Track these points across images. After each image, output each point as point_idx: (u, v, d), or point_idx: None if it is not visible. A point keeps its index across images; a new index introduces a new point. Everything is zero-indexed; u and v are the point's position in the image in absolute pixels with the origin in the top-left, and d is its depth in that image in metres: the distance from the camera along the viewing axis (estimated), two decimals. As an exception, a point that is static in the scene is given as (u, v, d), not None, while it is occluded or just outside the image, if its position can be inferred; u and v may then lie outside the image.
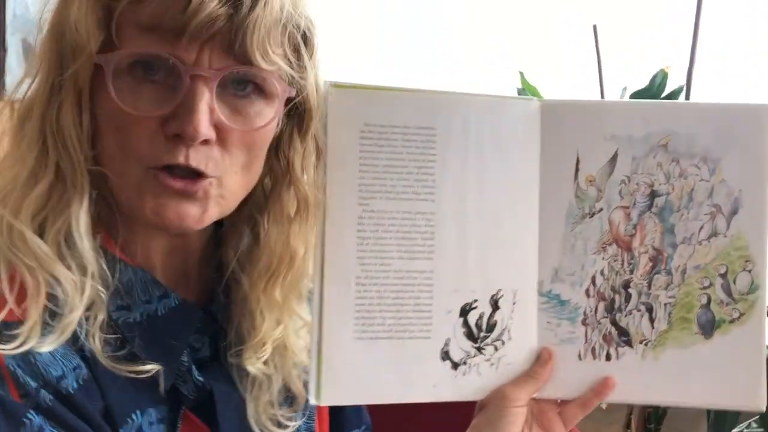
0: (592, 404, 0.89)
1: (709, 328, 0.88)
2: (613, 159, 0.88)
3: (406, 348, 0.85)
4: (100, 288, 0.73)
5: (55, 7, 0.74)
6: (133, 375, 0.73)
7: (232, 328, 0.83)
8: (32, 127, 0.74)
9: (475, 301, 0.87)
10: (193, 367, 0.79)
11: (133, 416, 0.74)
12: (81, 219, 0.73)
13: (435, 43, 1.59)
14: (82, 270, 0.72)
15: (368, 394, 0.85)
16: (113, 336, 0.74)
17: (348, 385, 0.84)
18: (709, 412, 1.22)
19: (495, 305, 0.87)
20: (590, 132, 0.88)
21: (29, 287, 0.70)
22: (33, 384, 0.68)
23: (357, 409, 0.97)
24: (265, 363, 0.84)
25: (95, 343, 0.72)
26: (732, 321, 0.88)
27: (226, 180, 0.75)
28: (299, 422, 0.86)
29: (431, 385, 0.86)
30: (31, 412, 0.67)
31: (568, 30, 1.47)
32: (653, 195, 0.88)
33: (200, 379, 0.79)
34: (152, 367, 0.74)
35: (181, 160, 0.71)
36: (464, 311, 0.87)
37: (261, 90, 0.75)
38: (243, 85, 0.74)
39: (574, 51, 1.27)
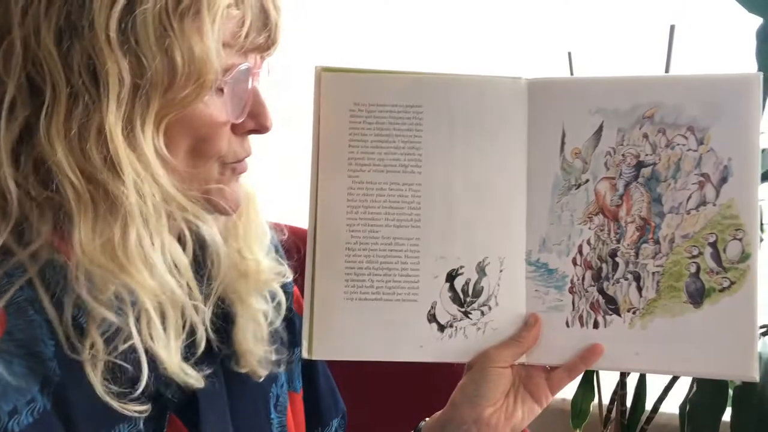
0: (579, 370, 0.90)
1: (698, 296, 0.86)
2: (599, 132, 0.89)
3: (393, 309, 0.89)
4: None
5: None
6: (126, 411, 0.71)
7: (223, 288, 0.83)
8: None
9: (461, 267, 0.90)
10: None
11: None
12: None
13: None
14: None
15: (357, 351, 0.90)
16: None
17: (337, 342, 0.90)
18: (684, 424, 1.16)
19: (481, 272, 0.90)
20: (576, 106, 0.89)
21: None
22: None
23: (334, 397, 1.00)
24: (264, 297, 0.86)
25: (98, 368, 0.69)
26: (722, 290, 0.86)
27: None
28: (281, 356, 0.88)
29: (418, 345, 0.90)
30: None
31: (544, 56, 1.46)
32: (639, 165, 0.88)
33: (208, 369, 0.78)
34: (144, 408, 0.71)
35: (250, 151, 0.78)
36: (450, 276, 0.90)
37: None
38: None
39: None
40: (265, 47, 0.76)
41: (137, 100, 0.66)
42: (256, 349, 0.85)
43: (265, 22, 0.74)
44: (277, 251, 0.91)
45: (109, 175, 0.66)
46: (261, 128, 0.77)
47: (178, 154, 0.72)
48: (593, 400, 1.48)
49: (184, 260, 0.72)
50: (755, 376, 0.85)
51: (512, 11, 1.66)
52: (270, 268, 0.87)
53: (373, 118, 0.90)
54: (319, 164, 0.90)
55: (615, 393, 1.45)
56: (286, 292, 0.92)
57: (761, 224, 1.25)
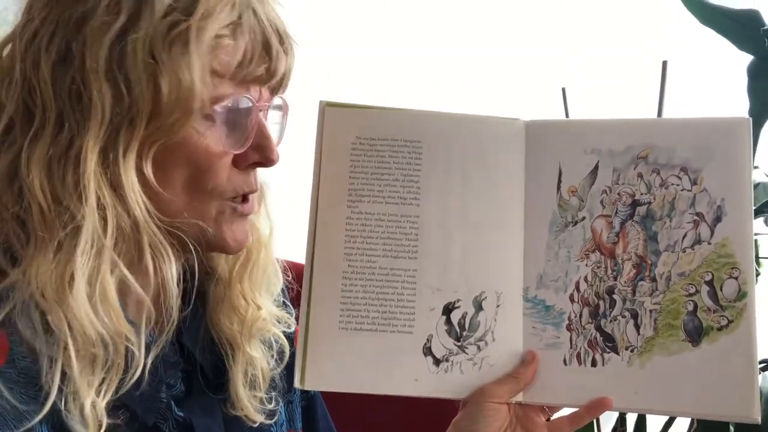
0: (583, 421, 0.86)
1: (696, 335, 0.84)
2: (594, 171, 0.89)
3: (388, 340, 0.86)
4: None
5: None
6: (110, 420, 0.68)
7: (220, 332, 0.82)
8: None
9: (458, 300, 0.87)
10: (172, 402, 0.76)
11: None
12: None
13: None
14: None
15: (350, 382, 0.86)
16: None
17: (331, 373, 0.86)
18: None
19: (478, 306, 0.87)
20: (572, 146, 0.90)
21: None
22: None
23: (328, 428, 0.97)
24: (262, 341, 0.84)
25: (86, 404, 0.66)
26: (720, 328, 0.84)
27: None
28: (278, 405, 0.86)
29: (413, 378, 0.86)
30: None
31: (538, 92, 1.49)
32: (635, 204, 0.88)
33: (180, 414, 0.76)
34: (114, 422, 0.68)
35: (253, 186, 0.76)
36: (447, 309, 0.87)
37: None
38: None
39: (543, 112, 1.30)
40: (266, 79, 0.74)
41: (121, 126, 0.66)
42: (250, 395, 0.82)
43: (266, 54, 0.73)
44: (285, 298, 0.90)
45: (75, 198, 0.66)
46: (265, 161, 0.76)
47: (175, 186, 0.71)
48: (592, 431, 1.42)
49: (115, 300, 0.68)
50: (756, 418, 0.82)
51: (508, 48, 1.69)
52: (271, 315, 0.85)
53: (374, 152, 0.89)
54: (319, 194, 0.88)
55: (615, 429, 1.39)
56: (288, 338, 0.90)
57: (758, 258, 1.25)
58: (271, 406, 0.85)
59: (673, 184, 0.87)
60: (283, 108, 0.80)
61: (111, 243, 0.67)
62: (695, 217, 0.86)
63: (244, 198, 0.76)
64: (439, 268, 0.88)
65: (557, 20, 1.70)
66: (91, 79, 0.66)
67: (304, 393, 0.94)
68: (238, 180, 0.75)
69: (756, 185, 1.17)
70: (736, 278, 0.84)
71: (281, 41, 0.75)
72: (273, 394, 0.85)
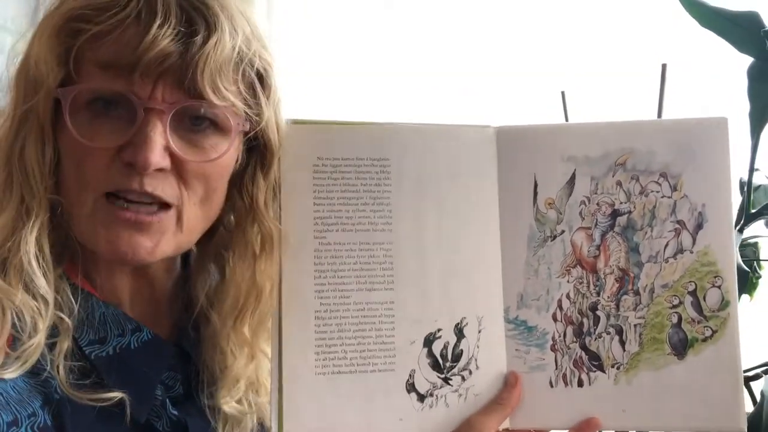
0: None
1: (681, 348, 0.81)
2: (571, 180, 0.83)
3: (369, 382, 0.79)
4: (62, 315, 0.70)
5: (26, 44, 0.74)
6: (95, 403, 0.69)
7: (204, 366, 0.79)
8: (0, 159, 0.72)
9: (439, 330, 0.81)
10: (167, 401, 0.75)
11: None
12: (42, 248, 0.70)
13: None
14: (44, 298, 0.69)
15: (331, 430, 0.79)
16: (78, 364, 0.70)
17: (310, 422, 0.79)
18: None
19: (460, 334, 0.82)
20: (547, 154, 0.83)
21: None
22: None
23: None
24: (239, 401, 0.80)
25: (60, 373, 0.68)
26: (705, 339, 0.81)
27: (185, 212, 0.73)
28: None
29: (397, 418, 0.80)
30: None
31: (538, 95, 1.45)
32: (615, 214, 0.83)
33: (174, 413, 0.75)
34: (116, 395, 0.70)
35: (135, 185, 0.69)
36: (428, 341, 0.81)
37: (215, 124, 0.73)
38: (199, 120, 0.72)
39: (542, 115, 1.25)
40: (127, 67, 0.68)
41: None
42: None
43: (132, 38, 0.68)
44: None
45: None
46: (133, 162, 0.69)
47: (66, 173, 0.72)
48: None
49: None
50: (743, 428, 0.81)
51: (506, 51, 1.62)
52: (254, 376, 0.81)
53: (338, 173, 0.80)
54: (282, 225, 0.79)
55: None
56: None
57: (759, 260, 1.26)
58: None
59: (653, 191, 0.83)
60: (214, 119, 0.73)
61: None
62: (676, 225, 0.82)
63: (129, 205, 0.71)
64: (418, 297, 0.81)
65: (556, 24, 1.63)
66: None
67: None
68: (116, 174, 0.70)
69: (756, 188, 1.14)
70: (719, 287, 0.82)
71: (162, 28, 0.68)
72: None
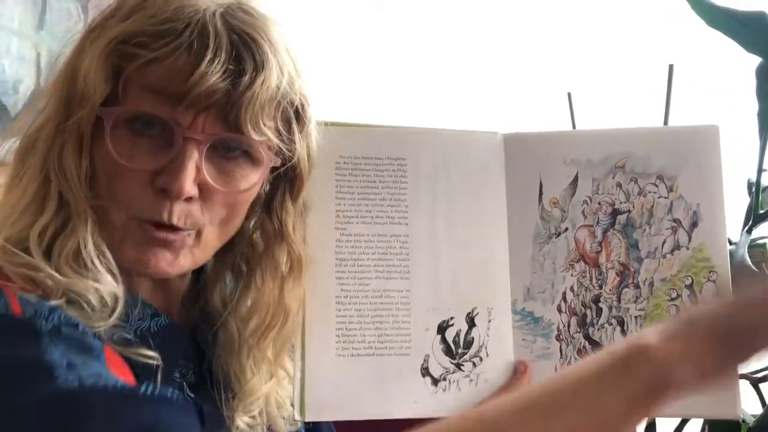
0: None
1: (680, 337, 0.84)
2: (574, 181, 0.88)
3: (386, 364, 0.83)
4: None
5: (70, 53, 0.73)
6: (140, 357, 0.69)
7: (219, 369, 0.78)
8: (35, 162, 0.72)
9: (452, 318, 0.85)
10: (185, 384, 0.75)
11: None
12: (89, 242, 0.70)
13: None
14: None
15: (350, 409, 0.82)
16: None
17: (330, 401, 0.82)
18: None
19: (471, 322, 0.85)
20: (551, 158, 0.88)
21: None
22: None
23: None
24: (253, 417, 0.79)
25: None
26: (702, 330, 0.84)
27: (204, 232, 0.73)
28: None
29: (412, 400, 0.83)
30: (42, 322, 0.62)
31: (544, 96, 1.48)
32: (615, 213, 0.87)
33: (191, 395, 0.74)
34: (152, 353, 0.69)
35: (165, 217, 0.69)
36: (441, 328, 0.84)
37: (248, 155, 0.73)
38: (232, 149, 0.72)
39: (549, 117, 1.28)
40: (178, 98, 0.68)
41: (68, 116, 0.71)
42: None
43: (187, 72, 0.67)
44: None
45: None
46: (167, 189, 0.69)
47: (100, 187, 0.71)
48: None
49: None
50: (738, 414, 0.84)
51: (513, 53, 1.65)
52: (273, 395, 0.81)
53: (359, 171, 0.85)
54: (306, 218, 0.83)
55: None
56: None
57: (767, 263, 1.26)
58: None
59: (650, 192, 0.88)
60: (249, 149, 0.72)
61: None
62: (673, 224, 0.87)
63: (169, 228, 0.71)
64: (432, 287, 0.85)
65: (563, 25, 1.65)
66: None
67: None
68: (148, 201, 0.70)
69: (764, 189, 1.14)
70: (714, 281, 0.85)
71: (214, 62, 0.67)
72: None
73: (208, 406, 0.76)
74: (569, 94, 1.28)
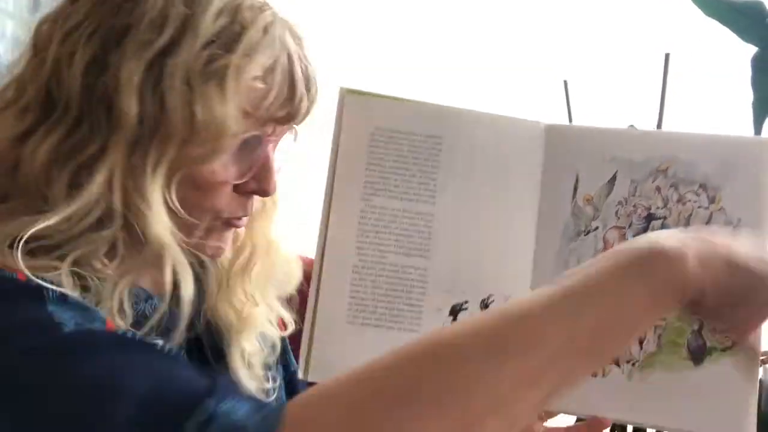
0: None
1: (699, 354, 0.81)
2: (612, 180, 0.85)
3: (393, 338, 0.83)
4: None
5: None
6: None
7: (212, 312, 0.81)
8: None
9: (466, 302, 0.84)
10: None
11: None
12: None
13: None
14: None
15: None
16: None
17: (334, 365, 0.83)
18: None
19: (485, 308, 0.85)
20: (591, 154, 0.85)
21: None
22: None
23: None
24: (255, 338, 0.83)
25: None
26: (724, 350, 0.81)
27: None
28: (276, 383, 0.85)
29: (415, 377, 0.83)
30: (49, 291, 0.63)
31: (541, 84, 1.44)
32: (650, 218, 0.84)
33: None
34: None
35: (248, 211, 0.76)
36: (454, 311, 0.84)
37: None
38: None
39: (545, 104, 1.25)
40: (284, 120, 0.74)
41: (150, 145, 0.66)
42: (248, 374, 0.82)
43: (290, 98, 0.72)
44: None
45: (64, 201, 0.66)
46: (261, 192, 0.75)
47: (181, 198, 0.70)
48: None
49: None
50: (751, 439, 0.80)
51: (510, 40, 1.64)
52: (269, 315, 0.83)
53: (393, 144, 0.85)
54: (334, 184, 0.85)
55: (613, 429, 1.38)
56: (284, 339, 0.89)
57: None
58: (269, 385, 0.84)
59: (690, 201, 0.84)
60: (293, 135, 0.79)
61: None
62: (709, 236, 0.82)
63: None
64: (450, 269, 0.85)
65: (559, 13, 1.64)
66: (124, 92, 0.65)
67: (285, 372, 0.92)
68: (235, 205, 0.74)
69: None
70: (744, 301, 0.81)
71: (308, 87, 0.73)
72: (270, 373, 0.84)
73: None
74: (565, 82, 1.25)
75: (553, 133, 0.87)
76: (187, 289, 0.69)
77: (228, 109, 0.66)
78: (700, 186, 0.84)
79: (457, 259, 0.85)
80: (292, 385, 0.92)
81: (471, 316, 0.84)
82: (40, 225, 0.64)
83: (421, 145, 0.86)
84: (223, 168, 0.71)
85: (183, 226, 0.70)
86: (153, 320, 0.69)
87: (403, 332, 0.84)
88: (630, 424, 0.85)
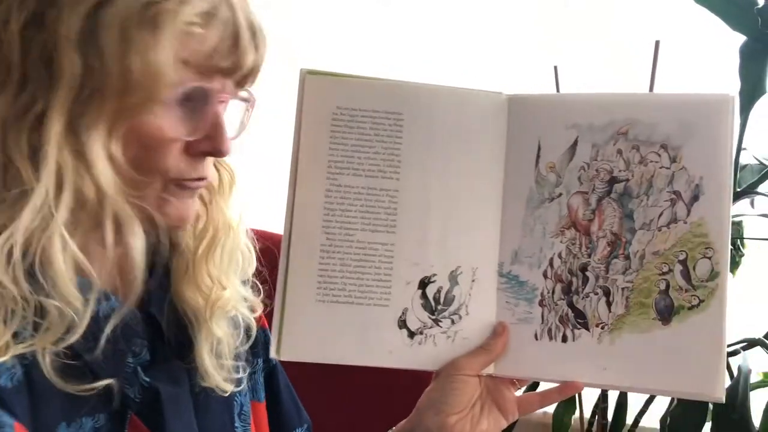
0: (553, 400, 0.86)
1: (667, 314, 0.81)
2: (573, 146, 0.85)
3: (364, 313, 0.84)
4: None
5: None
6: (83, 393, 0.67)
7: (183, 305, 0.79)
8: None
9: (434, 275, 0.85)
10: (139, 368, 0.73)
11: (59, 428, 0.67)
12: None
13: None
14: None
15: (325, 353, 0.85)
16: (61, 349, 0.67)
17: (306, 343, 0.84)
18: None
19: (454, 281, 0.85)
20: (552, 121, 0.86)
21: None
22: None
23: (296, 408, 0.94)
24: (227, 321, 0.81)
25: (45, 359, 0.66)
26: (691, 308, 0.81)
27: None
28: (245, 373, 0.84)
29: (387, 351, 0.85)
30: None
31: (530, 71, 1.44)
32: (612, 181, 0.84)
33: (147, 380, 0.73)
34: (104, 383, 0.68)
35: (201, 173, 0.73)
36: (423, 284, 0.85)
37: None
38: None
39: (535, 87, 1.25)
40: (231, 72, 0.71)
41: (91, 99, 0.65)
42: (216, 364, 0.80)
43: (235, 48, 0.70)
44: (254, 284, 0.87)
45: (27, 161, 0.64)
46: (215, 152, 0.72)
47: (124, 160, 0.69)
48: (575, 413, 1.43)
49: (57, 265, 0.66)
50: (721, 397, 0.80)
51: (499, 26, 1.63)
52: (238, 296, 0.82)
53: (355, 123, 0.86)
54: (298, 166, 0.85)
55: (596, 406, 1.40)
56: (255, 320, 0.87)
57: (742, 239, 1.23)
58: (237, 375, 0.82)
59: (652, 161, 0.84)
60: (249, 101, 0.77)
61: (64, 211, 0.65)
62: (672, 196, 0.83)
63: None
64: (417, 243, 0.85)
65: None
66: (63, 47, 0.64)
67: (266, 364, 0.91)
68: (187, 166, 0.71)
69: (743, 167, 1.12)
70: (709, 258, 0.81)
71: (252, 36, 0.71)
72: (239, 363, 0.83)
73: (165, 385, 0.75)
74: (555, 68, 1.25)
75: (515, 104, 0.87)
76: (136, 240, 0.69)
77: (162, 56, 0.65)
78: (662, 146, 0.83)
79: (424, 233, 0.86)
80: (272, 379, 0.92)
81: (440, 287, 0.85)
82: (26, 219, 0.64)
83: (383, 122, 0.86)
84: (170, 124, 0.68)
85: (133, 186, 0.69)
86: (112, 323, 0.69)
87: (373, 307, 0.85)
88: (601, 387, 0.85)
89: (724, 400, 0.80)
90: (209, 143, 0.71)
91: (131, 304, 0.72)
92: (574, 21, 1.57)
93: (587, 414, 1.42)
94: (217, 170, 0.79)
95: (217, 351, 0.80)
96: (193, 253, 0.79)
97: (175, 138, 0.70)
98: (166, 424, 0.73)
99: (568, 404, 1.40)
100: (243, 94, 0.75)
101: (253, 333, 0.85)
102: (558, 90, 1.21)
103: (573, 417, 1.44)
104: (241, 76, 0.72)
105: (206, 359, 0.78)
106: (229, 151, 0.72)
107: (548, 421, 1.45)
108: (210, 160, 0.74)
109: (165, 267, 0.78)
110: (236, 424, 0.84)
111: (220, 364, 0.80)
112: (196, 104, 0.70)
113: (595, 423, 1.39)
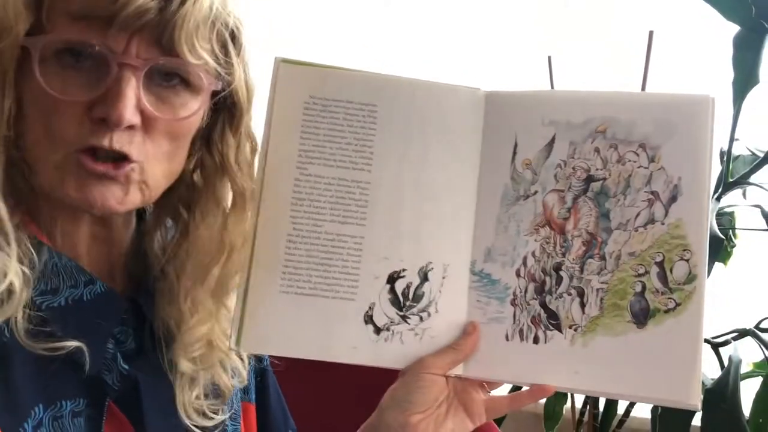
0: (522, 403, 0.82)
1: (642, 317, 0.78)
2: (550, 143, 0.83)
3: (329, 307, 0.81)
4: (22, 267, 0.67)
5: None
6: (48, 353, 0.67)
7: (159, 321, 0.77)
8: None
9: (404, 270, 0.82)
10: (119, 355, 0.73)
11: (36, 409, 0.67)
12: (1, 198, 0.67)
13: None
14: (3, 248, 0.67)
15: (287, 346, 0.81)
16: (34, 314, 0.67)
17: (268, 335, 0.81)
18: (655, 427, 1.09)
19: (424, 277, 0.82)
20: (530, 117, 0.84)
21: None
22: None
23: (284, 413, 0.92)
24: (194, 360, 0.78)
25: (17, 321, 0.66)
26: (667, 311, 0.78)
27: (149, 167, 0.70)
28: (225, 416, 0.81)
29: (351, 346, 0.81)
30: None
31: (524, 61, 1.43)
32: (589, 180, 0.82)
33: (125, 367, 0.72)
34: (72, 344, 0.67)
35: (105, 143, 0.67)
36: (391, 279, 0.82)
37: (187, 82, 0.71)
38: (170, 76, 0.70)
39: (529, 81, 1.23)
40: (102, 19, 0.65)
41: None
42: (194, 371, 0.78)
43: None
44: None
45: None
46: (107, 117, 0.66)
47: (32, 125, 0.68)
48: (566, 403, 1.40)
49: None
50: (696, 404, 0.77)
51: (493, 16, 1.63)
52: (218, 332, 0.80)
53: (327, 113, 0.84)
54: (267, 153, 0.83)
55: (588, 396, 1.36)
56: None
57: (734, 229, 1.20)
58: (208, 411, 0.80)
59: (630, 161, 0.81)
60: (187, 76, 0.71)
61: None
62: (650, 196, 0.80)
63: (98, 157, 0.68)
64: (387, 237, 0.83)
65: None
66: None
67: (257, 366, 0.89)
68: (85, 130, 0.67)
69: (736, 158, 1.11)
70: (687, 260, 0.78)
71: None
72: (214, 400, 0.81)
73: (145, 375, 0.74)
74: (549, 58, 1.24)
75: (492, 100, 0.85)
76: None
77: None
78: (640, 146, 0.81)
79: (395, 227, 0.83)
80: (262, 381, 0.89)
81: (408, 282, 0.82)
82: None
83: (357, 114, 0.84)
84: (52, 81, 0.65)
85: (41, 167, 0.68)
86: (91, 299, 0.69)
87: (339, 300, 0.82)
88: (573, 391, 0.82)
89: (699, 408, 0.77)
90: (104, 107, 0.66)
91: (120, 291, 0.74)
92: (569, 11, 1.56)
93: (579, 404, 1.39)
94: (214, 186, 0.78)
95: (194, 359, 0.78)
96: (177, 274, 0.77)
97: (71, 101, 0.66)
98: (144, 414, 0.72)
99: (559, 394, 1.36)
100: (166, 66, 0.69)
101: (244, 380, 0.84)
102: (552, 81, 1.19)
103: (564, 407, 1.40)
104: (152, 34, 0.66)
105: (183, 363, 0.76)
106: (120, 120, 0.66)
107: (540, 411, 1.41)
108: (125, 134, 0.68)
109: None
110: (227, 423, 0.82)
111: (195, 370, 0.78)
112: (90, 64, 0.66)
113: (587, 413, 1.35)
